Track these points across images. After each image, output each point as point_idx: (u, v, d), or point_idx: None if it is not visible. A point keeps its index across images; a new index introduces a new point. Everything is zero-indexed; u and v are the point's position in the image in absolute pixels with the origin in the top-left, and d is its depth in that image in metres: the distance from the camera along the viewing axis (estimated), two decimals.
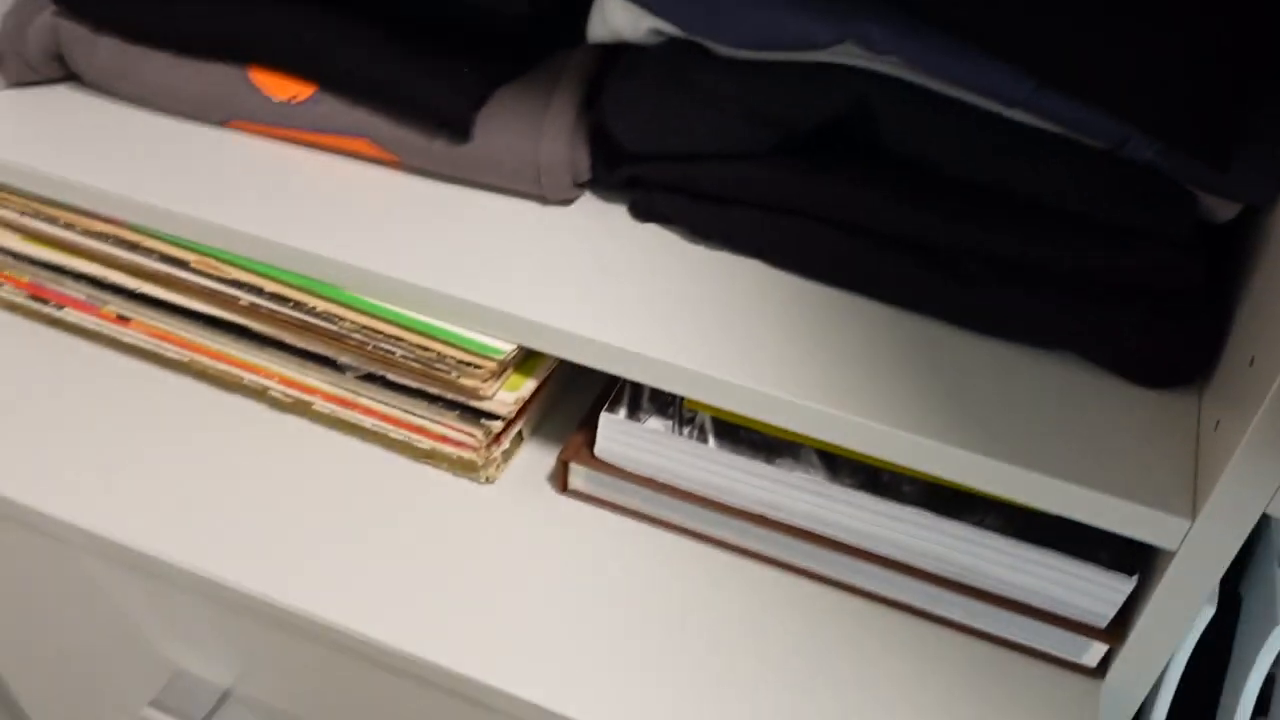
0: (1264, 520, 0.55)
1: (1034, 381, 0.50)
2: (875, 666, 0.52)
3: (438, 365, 0.54)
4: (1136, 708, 0.52)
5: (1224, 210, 0.48)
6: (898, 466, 0.50)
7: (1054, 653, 0.52)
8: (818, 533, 0.53)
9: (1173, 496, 0.44)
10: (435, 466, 0.59)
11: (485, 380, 0.54)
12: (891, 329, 0.52)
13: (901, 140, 0.50)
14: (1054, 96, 0.46)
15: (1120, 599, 0.49)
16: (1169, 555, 0.45)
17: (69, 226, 0.60)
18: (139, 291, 0.61)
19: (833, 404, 0.48)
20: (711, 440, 0.53)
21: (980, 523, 0.50)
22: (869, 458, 0.51)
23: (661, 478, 0.55)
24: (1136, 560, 0.49)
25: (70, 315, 0.64)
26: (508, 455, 0.60)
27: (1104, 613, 0.49)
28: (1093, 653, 0.51)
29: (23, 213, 0.61)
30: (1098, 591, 0.49)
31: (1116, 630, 0.50)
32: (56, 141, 0.60)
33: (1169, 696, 0.53)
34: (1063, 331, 0.50)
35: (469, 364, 0.53)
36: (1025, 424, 0.48)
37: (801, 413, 0.48)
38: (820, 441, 0.51)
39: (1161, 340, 0.48)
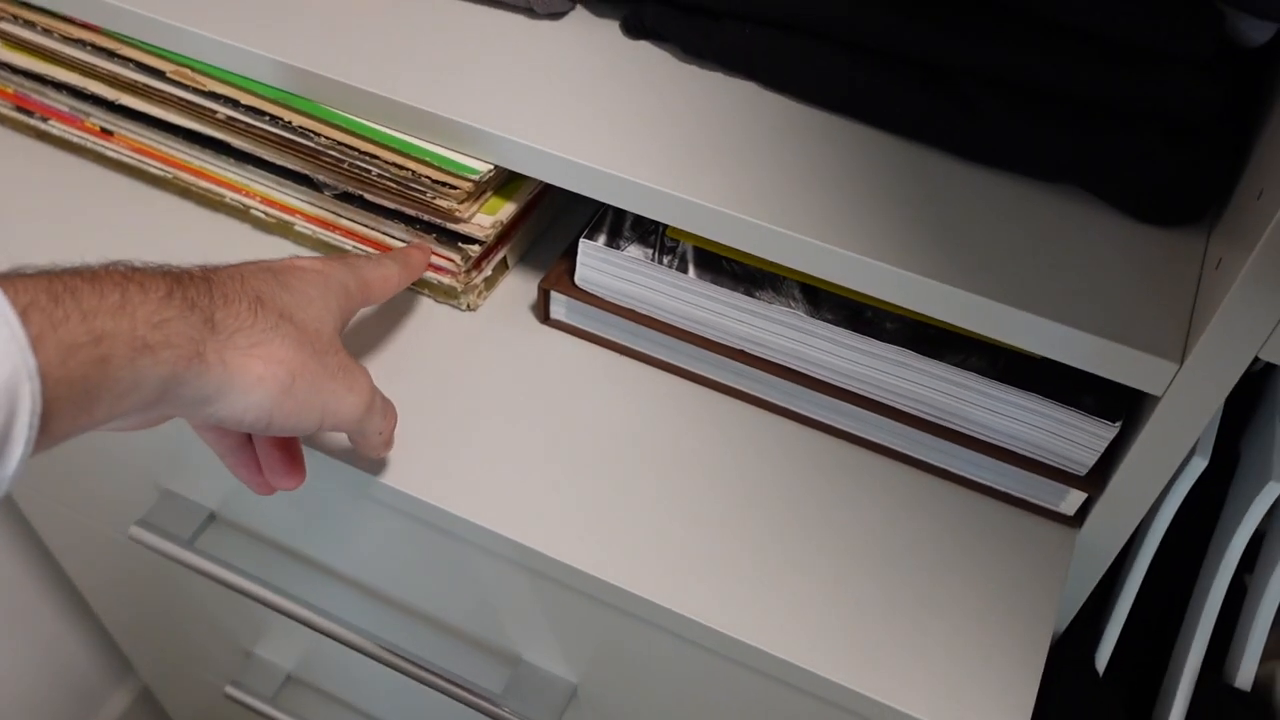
0: (1270, 374, 0.52)
1: (1033, 217, 0.47)
2: (849, 508, 0.51)
3: (413, 185, 0.52)
4: (1111, 559, 0.50)
5: (1258, 32, 0.44)
6: (881, 302, 0.48)
7: (1031, 499, 0.50)
8: (797, 369, 0.52)
9: (1162, 339, 0.42)
10: (417, 292, 0.58)
11: (462, 201, 0.52)
12: (886, 158, 0.49)
13: None
14: None
15: (1102, 446, 0.47)
16: (1154, 401, 0.43)
17: (47, 32, 0.59)
18: (119, 103, 0.59)
19: (814, 234, 0.45)
20: (692, 270, 0.51)
21: (963, 363, 0.48)
22: (851, 292, 0.48)
23: (641, 309, 0.54)
24: (1121, 407, 0.47)
25: (55, 128, 0.63)
26: (490, 283, 0.58)
27: (1084, 460, 0.48)
28: (1070, 500, 0.49)
29: (1, 17, 0.59)
30: (1079, 437, 0.47)
31: (1096, 479, 0.48)
32: None
33: (1152, 550, 0.52)
34: (1068, 162, 0.47)
35: (444, 184, 0.51)
36: (1017, 261, 0.45)
37: (780, 241, 0.46)
38: (801, 274, 0.49)
39: (1170, 173, 0.45)
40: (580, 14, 0.56)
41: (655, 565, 0.48)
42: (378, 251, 0.57)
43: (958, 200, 0.48)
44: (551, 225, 0.62)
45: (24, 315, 0.31)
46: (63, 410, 0.32)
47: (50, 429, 0.32)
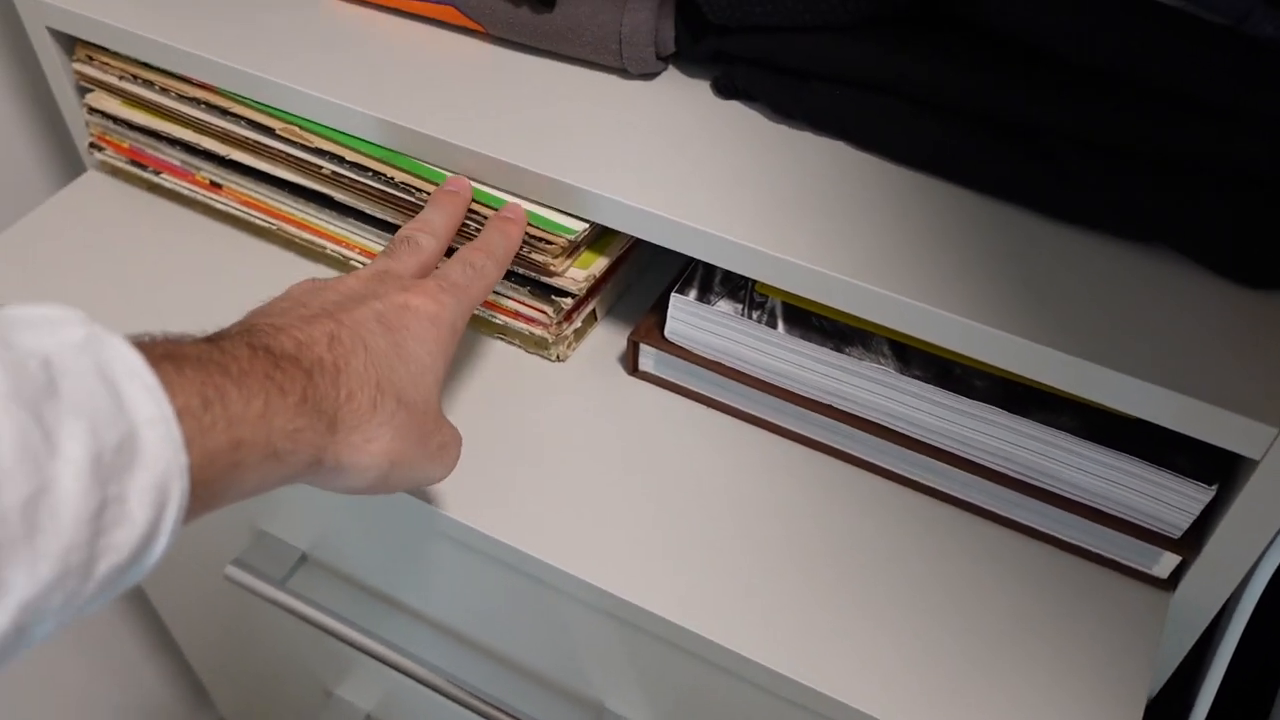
0: None
1: (1125, 276, 0.47)
2: (935, 566, 0.51)
3: None
4: (1207, 623, 0.50)
5: None
6: (971, 360, 0.49)
7: (1123, 561, 0.50)
8: (885, 426, 0.52)
9: (1261, 402, 0.42)
10: (508, 342, 0.60)
11: (556, 257, 0.54)
12: (975, 216, 0.50)
13: (1003, 14, 0.47)
14: None
15: (1197, 509, 0.47)
16: (1252, 464, 0.43)
17: (164, 91, 0.62)
18: (229, 158, 0.62)
19: (906, 292, 0.46)
20: (781, 325, 0.52)
21: (1054, 422, 0.48)
22: (942, 350, 0.49)
23: (730, 363, 0.54)
24: (1217, 469, 0.46)
25: (167, 181, 0.66)
26: (580, 334, 0.60)
27: (1179, 522, 0.47)
28: (1164, 563, 0.49)
29: (121, 77, 0.63)
30: (1173, 499, 0.47)
31: (1191, 541, 0.48)
32: (154, 6, 0.61)
33: (1247, 614, 0.51)
34: (1159, 223, 0.47)
35: (540, 240, 0.53)
36: (1109, 320, 0.45)
37: (872, 299, 0.47)
38: (891, 331, 0.49)
39: (1266, 236, 0.45)
40: (672, 74, 0.57)
41: (739, 616, 0.49)
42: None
43: (1047, 259, 0.48)
44: (638, 278, 0.63)
45: (179, 416, 0.32)
46: (191, 505, 0.33)
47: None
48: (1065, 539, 0.51)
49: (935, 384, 0.49)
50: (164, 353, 0.33)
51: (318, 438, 0.38)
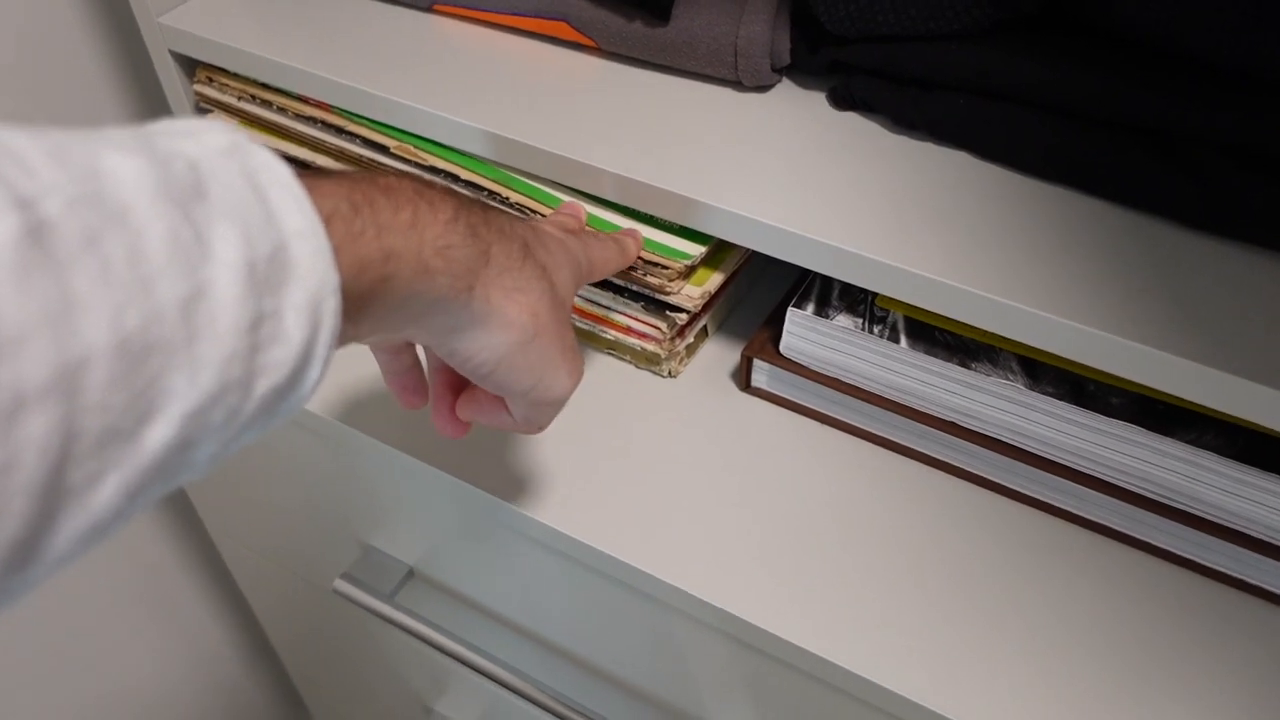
0: None
1: (1270, 288, 0.45)
2: (1069, 592, 0.49)
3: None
4: None
5: None
6: (1106, 375, 0.47)
7: (1273, 589, 0.47)
8: (1014, 444, 0.50)
9: None
10: (619, 358, 0.59)
11: (672, 280, 0.53)
12: (1108, 227, 0.48)
13: (1138, 14, 0.45)
14: None
15: None
16: None
17: (282, 111, 0.63)
18: None
19: (1038, 304, 0.44)
20: (903, 340, 0.51)
21: (1197, 441, 0.46)
22: (1074, 364, 0.47)
23: (848, 378, 0.53)
24: None
25: None
26: (691, 350, 0.59)
27: None
28: None
29: (239, 97, 0.64)
30: None
31: None
32: (271, 26, 0.62)
33: None
34: None
35: (656, 265, 0.53)
36: (1257, 334, 0.43)
37: (1002, 313, 0.45)
38: (1021, 345, 0.48)
39: None
40: (786, 85, 0.57)
41: (859, 637, 0.48)
42: (580, 318, 0.58)
43: (1189, 270, 0.46)
44: (748, 291, 0.63)
45: (327, 224, 0.30)
46: (343, 326, 0.31)
47: None
48: (1207, 564, 0.49)
49: (1068, 401, 0.48)
50: (311, 173, 0.31)
51: (471, 260, 0.35)
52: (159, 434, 0.25)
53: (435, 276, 0.34)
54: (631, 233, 0.53)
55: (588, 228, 0.53)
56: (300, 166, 0.64)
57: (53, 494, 0.23)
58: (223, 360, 0.26)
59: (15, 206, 0.23)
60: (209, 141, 0.29)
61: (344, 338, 0.32)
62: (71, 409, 0.23)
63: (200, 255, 0.26)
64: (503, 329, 0.37)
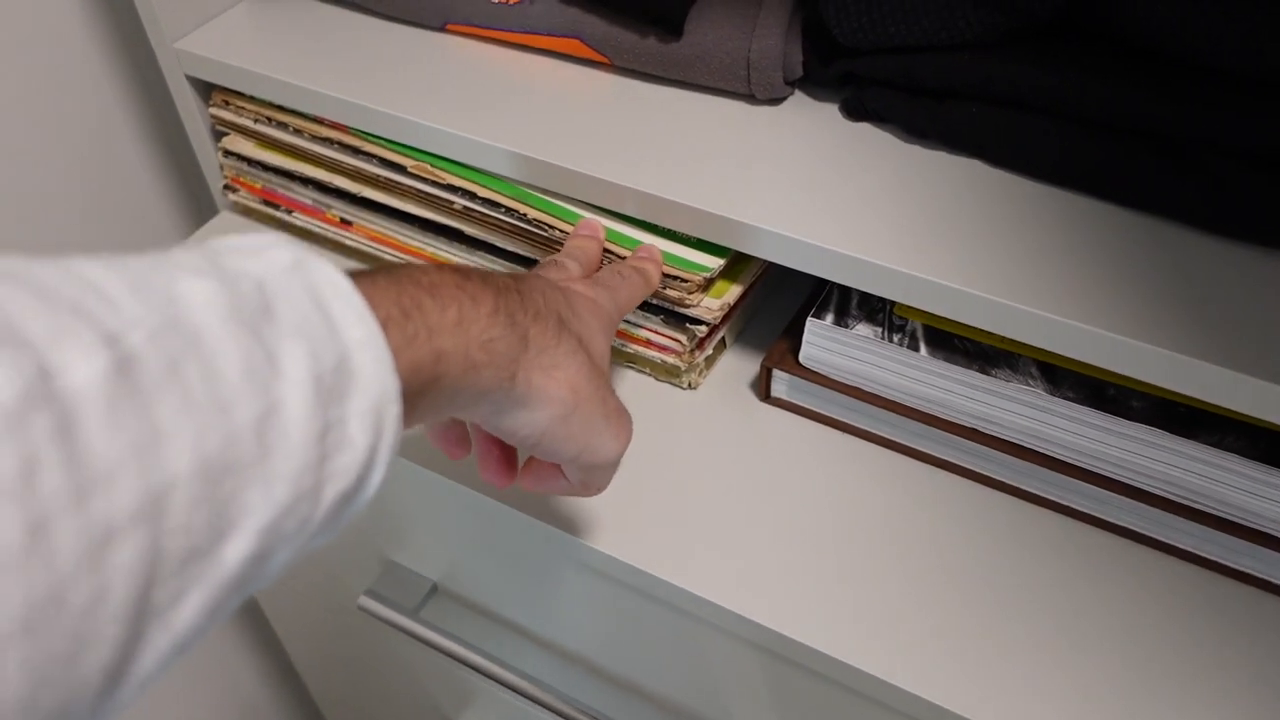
0: None
1: None
2: (1096, 596, 0.49)
3: None
4: None
5: None
6: (1126, 379, 0.47)
7: None
8: (1035, 450, 0.51)
9: None
10: (638, 371, 0.60)
11: (692, 293, 0.54)
12: (1123, 231, 0.48)
13: (1147, 25, 0.46)
14: None
15: None
16: None
17: (298, 132, 0.63)
18: (360, 196, 0.63)
19: (1057, 309, 0.45)
20: (923, 347, 0.51)
21: (1219, 443, 0.46)
22: (1094, 369, 0.47)
23: (868, 387, 0.54)
24: None
25: (298, 219, 0.68)
26: (710, 361, 0.59)
27: None
28: None
29: (256, 120, 0.65)
30: None
31: None
32: (287, 49, 0.63)
33: None
34: None
35: (676, 278, 0.53)
36: (1275, 335, 0.43)
37: (1021, 319, 0.45)
38: (1041, 351, 0.48)
39: None
40: (799, 98, 0.57)
41: (886, 644, 0.48)
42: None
43: (1206, 273, 0.46)
44: (764, 302, 0.63)
45: (383, 327, 0.31)
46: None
47: None
48: (1232, 565, 0.49)
49: (1089, 405, 0.48)
50: (357, 270, 0.33)
51: (512, 349, 0.37)
52: (237, 549, 0.26)
53: (481, 371, 0.35)
54: (651, 256, 0.53)
55: (608, 261, 0.54)
56: (316, 187, 0.65)
57: (140, 617, 0.24)
58: (295, 473, 0.28)
59: (104, 343, 0.24)
60: (273, 259, 0.30)
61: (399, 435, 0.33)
62: (157, 533, 0.24)
63: (271, 373, 0.27)
64: (544, 406, 0.39)
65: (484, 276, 0.38)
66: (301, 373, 0.28)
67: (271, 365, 0.27)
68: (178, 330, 0.26)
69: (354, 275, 0.32)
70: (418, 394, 0.33)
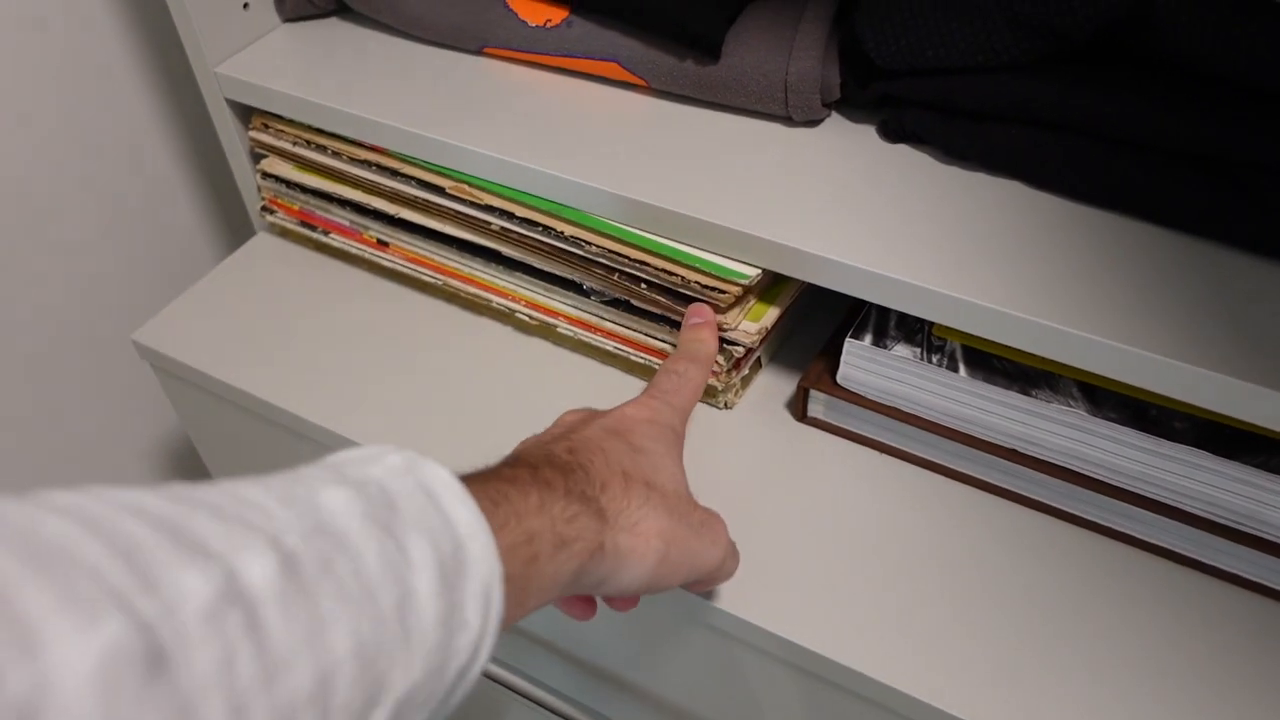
0: None
1: None
2: (1137, 618, 0.49)
3: (682, 291, 0.54)
4: None
5: None
6: (1168, 400, 0.47)
7: None
8: (1076, 471, 0.51)
9: None
10: None
11: (730, 307, 0.54)
12: (1164, 252, 0.48)
13: (1186, 45, 0.46)
14: None
15: None
16: None
17: (336, 155, 0.64)
18: (398, 217, 0.64)
19: (1098, 330, 0.45)
20: (962, 369, 0.51)
21: (1264, 465, 0.46)
22: (1136, 390, 0.47)
23: (907, 408, 0.54)
24: None
25: (335, 240, 0.68)
26: (746, 381, 0.59)
27: None
28: None
29: (295, 142, 0.65)
30: None
31: None
32: (326, 73, 0.63)
33: None
34: None
35: (714, 288, 0.53)
36: None
37: (1062, 340, 0.45)
38: (1082, 372, 0.48)
39: None
40: (836, 120, 0.57)
41: (925, 665, 0.47)
42: (637, 351, 0.59)
43: (1248, 293, 0.46)
44: (799, 322, 0.63)
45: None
46: (505, 609, 0.35)
47: None
48: (1276, 587, 0.48)
49: (1131, 426, 0.48)
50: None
51: (593, 521, 0.39)
52: None
53: (571, 545, 0.38)
54: (708, 321, 0.54)
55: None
56: (353, 209, 0.65)
57: None
58: (428, 651, 0.31)
59: (271, 546, 0.27)
60: (389, 463, 0.34)
61: (512, 619, 0.36)
62: (325, 710, 0.27)
63: (404, 563, 0.31)
64: (640, 561, 0.41)
65: (549, 461, 0.41)
66: (427, 560, 0.31)
67: (403, 555, 0.31)
68: (325, 532, 0.29)
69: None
70: (518, 577, 0.35)
